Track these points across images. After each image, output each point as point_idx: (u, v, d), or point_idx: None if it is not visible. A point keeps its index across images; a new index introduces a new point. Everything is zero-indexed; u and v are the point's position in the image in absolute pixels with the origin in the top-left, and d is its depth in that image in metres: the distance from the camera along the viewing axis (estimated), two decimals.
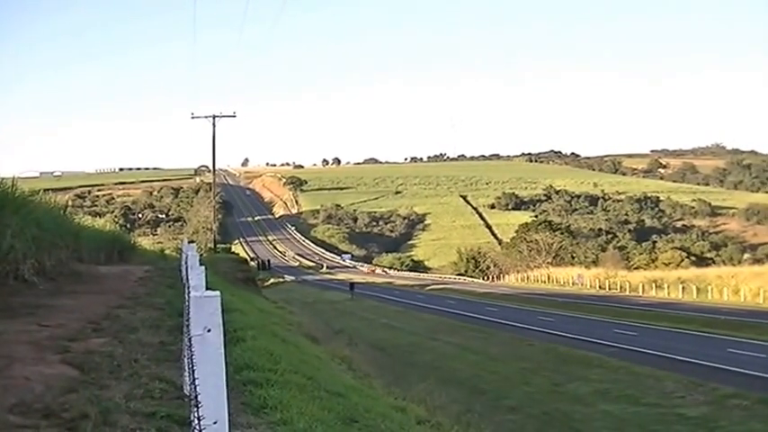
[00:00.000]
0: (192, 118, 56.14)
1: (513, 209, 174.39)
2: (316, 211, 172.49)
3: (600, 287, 67.67)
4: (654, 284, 61.72)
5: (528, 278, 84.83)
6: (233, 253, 67.86)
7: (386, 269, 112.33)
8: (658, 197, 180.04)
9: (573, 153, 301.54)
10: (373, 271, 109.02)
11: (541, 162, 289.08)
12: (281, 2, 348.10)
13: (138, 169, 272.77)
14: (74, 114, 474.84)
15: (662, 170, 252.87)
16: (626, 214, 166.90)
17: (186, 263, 11.72)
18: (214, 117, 55.77)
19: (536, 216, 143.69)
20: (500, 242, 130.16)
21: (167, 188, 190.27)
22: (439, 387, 18.06)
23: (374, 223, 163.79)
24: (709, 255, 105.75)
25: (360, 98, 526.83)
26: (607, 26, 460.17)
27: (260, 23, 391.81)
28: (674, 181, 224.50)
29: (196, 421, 2.87)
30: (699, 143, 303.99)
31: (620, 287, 64.89)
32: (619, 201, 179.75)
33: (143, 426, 4.74)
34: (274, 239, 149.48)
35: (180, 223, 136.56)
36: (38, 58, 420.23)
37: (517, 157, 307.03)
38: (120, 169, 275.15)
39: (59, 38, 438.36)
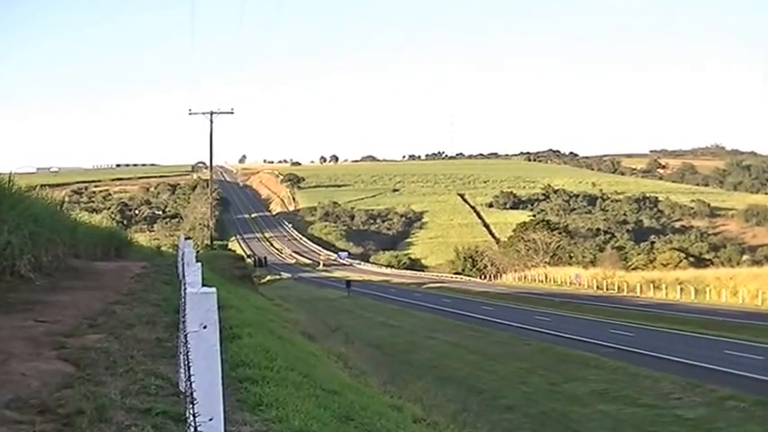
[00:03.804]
0: (190, 114, 56.17)
1: (511, 208, 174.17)
2: (313, 208, 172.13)
3: (597, 287, 67.60)
4: (652, 285, 61.65)
5: (525, 277, 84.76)
6: (230, 250, 67.90)
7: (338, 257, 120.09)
8: (657, 197, 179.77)
9: (571, 152, 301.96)
10: (329, 258, 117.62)
11: (540, 161, 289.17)
12: (279, 1, 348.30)
13: (135, 165, 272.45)
14: (71, 110, 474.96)
15: (661, 170, 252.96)
16: (624, 214, 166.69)
17: (183, 259, 11.72)
18: (212, 113, 55.74)
19: (534, 215, 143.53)
20: (498, 241, 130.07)
21: (164, 184, 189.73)
22: (435, 386, 18.10)
23: (371, 221, 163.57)
24: (707, 256, 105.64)
25: (358, 96, 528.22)
26: (607, 26, 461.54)
27: (258, 21, 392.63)
28: (674, 181, 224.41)
29: (191, 418, 2.86)
30: (698, 143, 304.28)
31: (618, 287, 64.85)
32: (617, 201, 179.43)
33: (138, 422, 4.73)
34: (271, 237, 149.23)
35: (177, 220, 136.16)
36: (36, 55, 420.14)
37: (515, 156, 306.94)
38: (117, 165, 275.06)
39: (58, 34, 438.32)
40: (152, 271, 16.64)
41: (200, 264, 7.57)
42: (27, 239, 10.57)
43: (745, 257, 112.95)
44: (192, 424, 2.82)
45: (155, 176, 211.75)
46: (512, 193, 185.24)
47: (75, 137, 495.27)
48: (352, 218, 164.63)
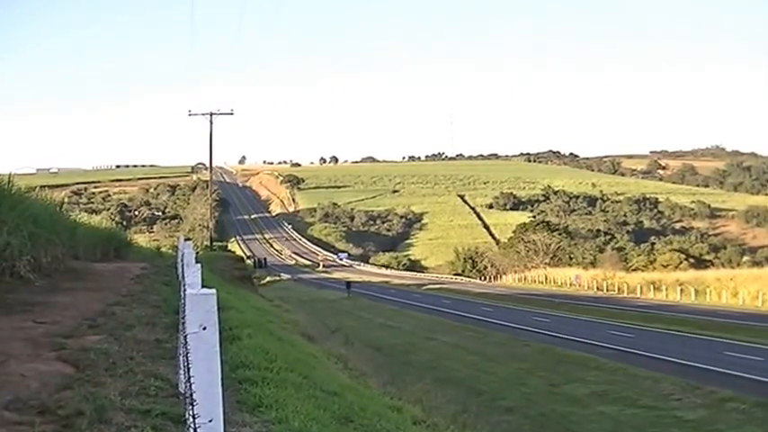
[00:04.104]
0: (190, 115, 56.00)
1: (511, 209, 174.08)
2: (313, 209, 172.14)
3: (597, 288, 67.57)
4: (652, 286, 61.59)
5: (525, 279, 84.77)
6: (229, 251, 67.71)
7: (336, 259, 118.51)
8: (657, 198, 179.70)
9: (572, 153, 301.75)
10: (328, 259, 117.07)
11: (540, 162, 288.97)
12: (279, 2, 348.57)
13: (135, 166, 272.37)
14: (71, 110, 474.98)
15: (661, 171, 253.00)
16: (624, 215, 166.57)
17: (182, 260, 11.71)
18: (211, 114, 55.59)
19: (534, 216, 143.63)
20: (498, 242, 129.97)
21: (164, 185, 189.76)
22: (435, 387, 18.05)
23: (371, 222, 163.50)
24: (707, 257, 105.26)
25: (358, 96, 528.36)
26: (607, 26, 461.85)
27: (258, 22, 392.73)
28: (674, 182, 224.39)
29: (191, 419, 2.86)
30: (698, 144, 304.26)
31: (618, 288, 64.79)
32: (617, 202, 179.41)
33: (138, 423, 4.73)
34: (271, 238, 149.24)
35: (176, 221, 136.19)
36: (36, 55, 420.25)
37: (515, 156, 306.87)
38: (117, 166, 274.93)
39: (58, 34, 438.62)
40: (151, 272, 16.63)
41: (199, 265, 7.58)
42: (26, 240, 10.56)
43: (745, 258, 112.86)
44: (192, 425, 2.82)
45: (154, 177, 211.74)
46: (512, 194, 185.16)
47: (74, 137, 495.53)
48: (352, 219, 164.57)
